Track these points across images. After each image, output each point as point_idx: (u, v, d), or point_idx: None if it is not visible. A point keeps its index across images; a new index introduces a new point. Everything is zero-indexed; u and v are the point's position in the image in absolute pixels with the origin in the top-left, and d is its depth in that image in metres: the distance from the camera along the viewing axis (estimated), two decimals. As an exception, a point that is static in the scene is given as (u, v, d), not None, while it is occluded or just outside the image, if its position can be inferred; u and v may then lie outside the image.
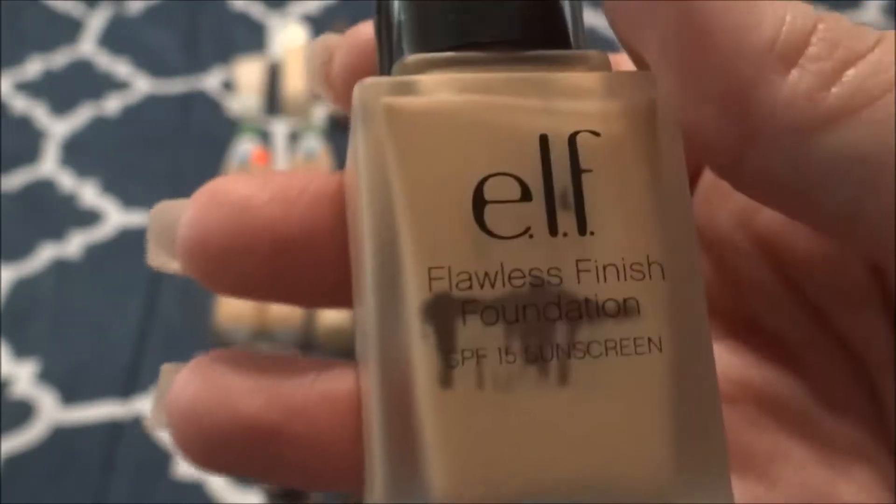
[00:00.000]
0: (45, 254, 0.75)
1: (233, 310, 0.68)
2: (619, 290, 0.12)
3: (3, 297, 0.72)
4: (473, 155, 0.12)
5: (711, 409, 0.12)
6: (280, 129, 0.86)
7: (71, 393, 0.66)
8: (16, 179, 0.81)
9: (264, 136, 0.84)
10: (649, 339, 0.12)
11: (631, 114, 0.13)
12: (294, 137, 0.84)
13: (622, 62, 0.16)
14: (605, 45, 0.14)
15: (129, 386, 0.66)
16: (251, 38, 0.95)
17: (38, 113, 0.87)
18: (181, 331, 0.69)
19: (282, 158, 0.82)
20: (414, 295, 0.12)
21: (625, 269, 0.12)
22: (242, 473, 0.14)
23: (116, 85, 0.90)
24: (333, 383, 0.14)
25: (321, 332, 0.69)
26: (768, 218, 0.15)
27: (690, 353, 0.12)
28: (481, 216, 0.12)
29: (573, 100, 0.13)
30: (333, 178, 0.14)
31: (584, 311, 0.12)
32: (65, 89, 0.89)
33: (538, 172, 0.12)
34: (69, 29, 0.96)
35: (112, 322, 0.70)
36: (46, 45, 0.94)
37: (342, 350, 0.69)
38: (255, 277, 0.14)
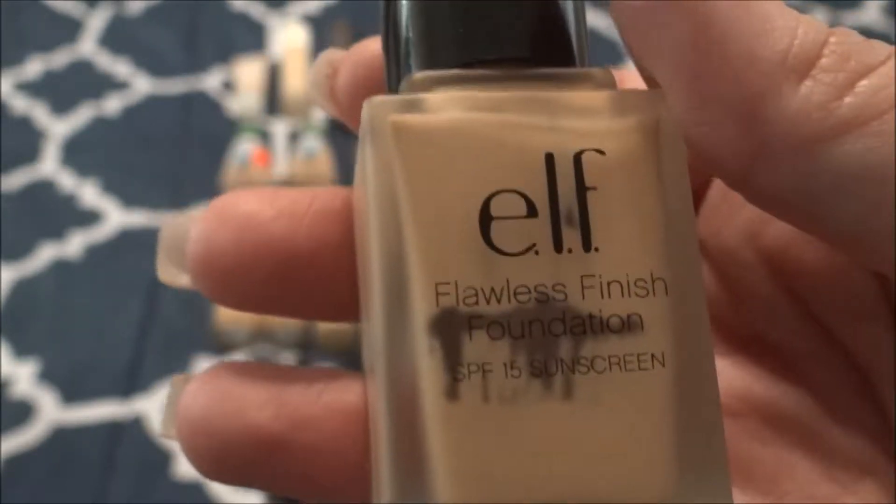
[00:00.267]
0: (45, 254, 0.75)
1: (233, 310, 0.68)
2: (623, 306, 0.12)
3: (3, 297, 0.72)
4: (480, 172, 0.13)
5: (713, 424, 0.13)
6: (280, 129, 0.86)
7: (71, 393, 0.66)
8: (16, 179, 0.81)
9: (264, 136, 0.84)
10: (652, 355, 0.12)
11: (636, 132, 0.13)
12: (294, 137, 0.84)
13: (626, 78, 0.16)
14: (607, 47, 0.14)
15: (129, 386, 0.66)
16: (251, 38, 0.95)
17: (38, 113, 0.87)
18: (181, 331, 0.69)
19: (282, 158, 0.82)
20: (421, 309, 0.12)
21: (629, 285, 0.12)
22: (250, 484, 0.14)
23: (116, 85, 0.90)
24: (341, 394, 0.14)
25: (321, 333, 0.69)
26: (775, 232, 0.15)
27: (693, 369, 0.13)
28: (488, 232, 0.12)
29: (579, 118, 0.13)
30: (340, 193, 0.15)
31: (588, 326, 0.12)
32: (65, 89, 0.89)
33: (544, 190, 0.13)
34: (69, 29, 0.96)
35: (112, 322, 0.70)
36: (46, 45, 0.94)
37: (342, 350, 0.69)
38: (263, 293, 0.14)
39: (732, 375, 0.16)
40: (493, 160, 0.13)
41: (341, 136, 0.84)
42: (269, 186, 0.15)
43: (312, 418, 0.14)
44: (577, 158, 0.13)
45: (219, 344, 0.68)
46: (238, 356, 0.68)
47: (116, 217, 0.78)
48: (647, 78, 0.14)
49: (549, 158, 0.13)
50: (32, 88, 0.90)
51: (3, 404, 0.65)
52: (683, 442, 0.12)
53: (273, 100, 0.88)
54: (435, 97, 0.13)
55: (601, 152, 0.13)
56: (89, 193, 0.80)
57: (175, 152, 0.83)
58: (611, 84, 0.14)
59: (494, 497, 0.12)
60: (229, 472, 0.14)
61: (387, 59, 0.15)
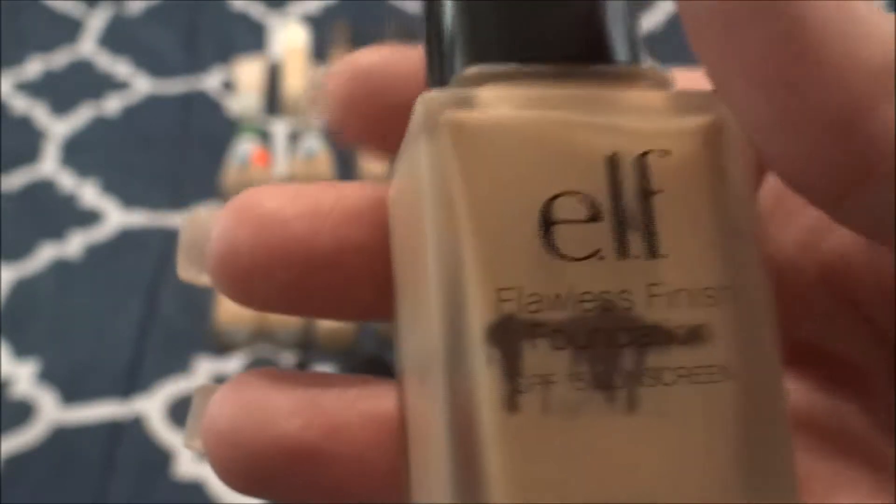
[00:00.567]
0: (45, 254, 0.75)
1: (233, 310, 0.68)
2: (690, 316, 0.12)
3: (3, 297, 0.72)
4: (540, 173, 0.12)
5: (782, 440, 0.12)
6: (280, 129, 0.86)
7: (71, 393, 0.66)
8: (16, 179, 0.81)
9: (264, 136, 0.84)
10: (720, 367, 0.12)
11: (700, 133, 0.12)
12: (294, 137, 0.84)
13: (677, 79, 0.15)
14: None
15: (129, 386, 0.66)
16: (251, 38, 0.95)
17: (38, 113, 0.87)
18: (181, 331, 0.69)
19: (282, 158, 0.82)
20: (480, 317, 0.12)
21: (696, 294, 0.12)
22: (280, 497, 0.13)
23: (116, 85, 0.90)
24: (375, 402, 0.13)
25: (321, 333, 0.69)
26: (836, 240, 0.14)
27: (761, 382, 0.12)
28: (550, 236, 0.12)
29: (641, 118, 0.12)
30: (368, 190, 0.14)
31: (654, 337, 0.12)
32: (65, 89, 0.89)
33: (606, 192, 0.12)
34: (69, 29, 0.96)
35: (112, 322, 0.70)
36: (46, 45, 0.94)
37: (342, 350, 0.69)
38: (284, 293, 0.14)
39: (789, 387, 0.15)
40: (553, 161, 0.12)
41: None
42: (292, 183, 0.14)
43: (347, 426, 0.13)
44: (642, 160, 0.12)
45: (219, 344, 0.68)
46: (238, 356, 0.68)
47: (116, 217, 0.78)
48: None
49: (612, 160, 0.12)
50: (32, 88, 0.90)
51: (3, 404, 0.65)
52: (751, 456, 0.12)
53: (273, 100, 0.88)
54: (489, 94, 0.12)
55: (667, 153, 0.12)
56: (89, 193, 0.80)
57: (175, 152, 0.83)
58: (668, 83, 0.13)
59: None
60: (258, 485, 0.13)
61: (428, 54, 0.14)
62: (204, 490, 0.61)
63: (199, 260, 0.14)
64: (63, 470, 0.62)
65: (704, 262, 0.12)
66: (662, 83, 0.13)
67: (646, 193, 0.12)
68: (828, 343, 0.15)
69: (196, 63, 0.92)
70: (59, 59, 0.93)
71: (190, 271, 0.14)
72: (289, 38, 0.93)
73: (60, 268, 0.74)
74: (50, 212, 0.79)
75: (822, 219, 0.13)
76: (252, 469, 0.13)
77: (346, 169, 0.80)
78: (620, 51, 0.13)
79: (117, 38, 0.95)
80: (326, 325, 0.69)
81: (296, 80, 0.88)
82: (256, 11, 0.99)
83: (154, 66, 0.92)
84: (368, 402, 0.13)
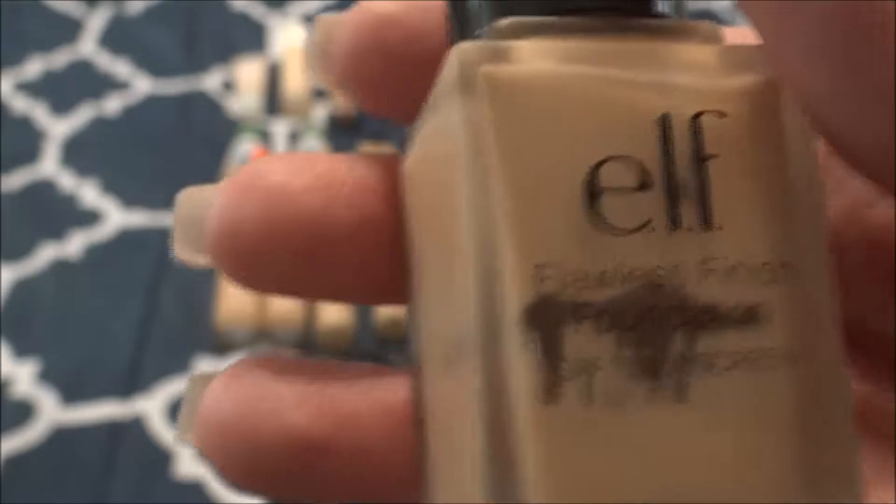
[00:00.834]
0: (45, 254, 0.75)
1: (233, 310, 0.68)
2: (747, 294, 0.11)
3: (3, 297, 0.72)
4: (585, 135, 0.11)
5: (846, 433, 0.11)
6: (280, 129, 0.86)
7: (71, 393, 0.66)
8: (16, 179, 0.81)
9: (264, 136, 0.84)
10: (780, 352, 0.11)
11: (757, 93, 0.11)
12: (294, 137, 0.84)
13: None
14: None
15: (129, 386, 0.66)
16: (251, 38, 0.95)
17: (38, 113, 0.87)
18: (181, 331, 0.69)
19: (282, 158, 0.82)
20: (517, 297, 0.10)
21: (754, 270, 0.11)
22: (286, 492, 0.13)
23: (116, 85, 0.90)
24: (388, 391, 0.12)
25: (321, 333, 0.69)
26: (883, 213, 0.13)
27: (824, 369, 0.11)
28: (596, 206, 0.11)
29: (693, 75, 0.11)
30: (382, 161, 0.13)
31: (708, 317, 0.11)
32: (65, 89, 0.89)
33: (657, 157, 0.11)
34: (69, 29, 0.96)
35: (112, 322, 0.70)
36: (46, 45, 0.94)
37: (342, 350, 0.69)
38: (293, 274, 0.13)
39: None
40: (599, 121, 0.11)
41: (341, 136, 0.84)
42: (299, 152, 0.13)
43: (360, 417, 0.12)
44: (696, 121, 0.11)
45: (219, 344, 0.68)
46: (238, 356, 0.68)
47: (116, 217, 0.78)
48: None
49: (664, 120, 0.11)
50: (32, 88, 0.90)
51: (3, 404, 0.65)
52: (812, 455, 0.11)
53: (273, 100, 0.88)
54: (527, 46, 0.11)
55: (722, 115, 0.11)
56: (89, 193, 0.80)
57: (175, 152, 0.83)
58: (718, 39, 0.12)
59: None
60: (261, 481, 0.12)
61: (453, 10, 0.13)
62: (204, 490, 0.61)
63: (197, 238, 0.13)
64: (63, 470, 0.62)
65: (763, 235, 0.11)
66: (713, 38, 0.12)
67: (700, 159, 0.11)
68: (873, 320, 0.14)
69: (196, 63, 0.92)
70: (59, 59, 0.93)
71: (187, 251, 0.13)
72: (289, 38, 0.93)
73: (60, 268, 0.74)
74: (50, 212, 0.79)
75: (868, 191, 0.12)
76: (255, 464, 0.12)
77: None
78: (666, 3, 0.12)
79: (117, 38, 0.95)
80: (326, 324, 0.69)
81: (296, 80, 0.88)
82: (256, 12, 0.99)
83: (154, 66, 0.92)
84: (381, 391, 0.12)
